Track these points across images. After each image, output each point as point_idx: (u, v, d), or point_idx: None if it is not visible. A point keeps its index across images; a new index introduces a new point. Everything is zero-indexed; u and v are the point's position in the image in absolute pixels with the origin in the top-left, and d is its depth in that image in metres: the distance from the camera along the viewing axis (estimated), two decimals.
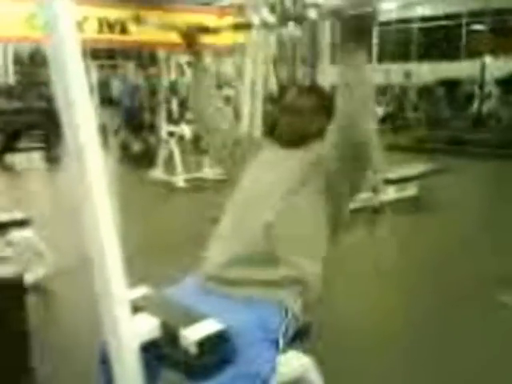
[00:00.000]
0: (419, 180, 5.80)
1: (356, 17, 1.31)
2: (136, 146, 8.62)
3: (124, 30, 4.97)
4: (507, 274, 3.48)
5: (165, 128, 6.91)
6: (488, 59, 13.20)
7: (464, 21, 16.84)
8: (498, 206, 5.74)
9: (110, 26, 4.88)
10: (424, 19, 17.67)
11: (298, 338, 1.56)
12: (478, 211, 5.42)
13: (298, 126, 1.65)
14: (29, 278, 3.05)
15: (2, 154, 8.19)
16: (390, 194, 5.53)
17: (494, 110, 12.51)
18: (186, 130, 6.93)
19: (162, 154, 6.89)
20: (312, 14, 1.47)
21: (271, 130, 1.74)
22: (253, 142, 1.82)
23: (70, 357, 2.39)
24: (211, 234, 1.65)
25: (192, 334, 1.25)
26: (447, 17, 17.10)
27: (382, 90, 14.43)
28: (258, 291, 1.46)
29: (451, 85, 14.40)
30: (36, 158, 8.31)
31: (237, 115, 5.40)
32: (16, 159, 8.28)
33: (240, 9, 5.83)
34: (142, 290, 1.48)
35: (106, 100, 13.53)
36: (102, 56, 17.27)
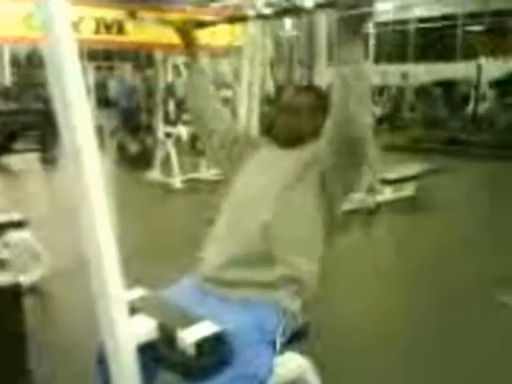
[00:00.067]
0: (416, 180, 5.82)
1: (353, 6, 1.30)
2: (133, 147, 8.61)
3: (121, 31, 4.96)
4: (506, 273, 3.49)
5: (162, 129, 6.91)
6: (483, 60, 13.24)
7: (460, 22, 16.89)
8: (495, 206, 5.75)
9: (107, 27, 4.86)
10: (421, 20, 17.71)
11: (296, 339, 1.56)
12: (475, 211, 5.43)
13: (294, 126, 1.65)
14: (26, 279, 3.05)
15: None
16: (387, 194, 5.54)
17: (489, 111, 12.54)
18: (182, 131, 6.93)
19: (158, 155, 6.89)
20: (308, 3, 1.46)
21: (268, 131, 1.74)
22: (250, 141, 1.82)
23: (67, 358, 2.39)
24: (207, 234, 1.65)
25: (189, 336, 1.24)
26: (443, 18, 17.14)
27: (379, 91, 14.48)
28: (255, 292, 1.47)
29: (447, 86, 14.45)
30: (32, 159, 8.29)
31: (235, 116, 5.40)
32: (12, 160, 8.26)
33: (236, 9, 5.83)
34: (139, 292, 1.48)
35: (103, 101, 13.51)
36: (99, 57, 17.29)
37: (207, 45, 5.09)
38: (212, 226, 1.66)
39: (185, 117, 6.82)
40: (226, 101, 6.76)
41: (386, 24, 18.02)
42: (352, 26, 1.34)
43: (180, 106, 7.09)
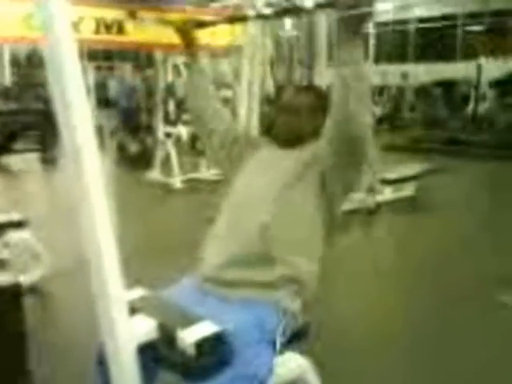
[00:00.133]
0: (416, 180, 5.82)
1: (353, 6, 1.30)
2: (133, 147, 8.61)
3: (121, 31, 4.96)
4: (506, 273, 3.48)
5: (162, 129, 6.91)
6: (483, 60, 13.24)
7: (460, 22, 16.89)
8: (495, 206, 5.75)
9: (107, 27, 4.86)
10: (421, 20, 17.71)
11: (296, 339, 1.56)
12: (475, 211, 5.43)
13: (294, 126, 1.65)
14: (26, 279, 3.05)
15: None
16: (387, 194, 5.54)
17: (489, 111, 12.55)
18: (182, 131, 6.93)
19: (158, 155, 6.89)
20: (308, 3, 1.46)
21: (268, 131, 1.74)
22: (250, 141, 1.82)
23: (67, 358, 2.38)
24: (207, 234, 1.65)
25: (189, 336, 1.24)
26: (443, 18, 17.14)
27: (379, 91, 14.48)
28: (255, 292, 1.47)
29: (447, 86, 14.46)
30: (32, 159, 8.29)
31: (235, 116, 5.40)
32: (12, 160, 8.26)
33: (236, 9, 5.83)
34: (139, 292, 1.48)
35: (103, 101, 13.51)
36: (99, 57, 17.30)
37: (207, 45, 5.09)
38: (212, 225, 1.66)
39: (185, 117, 6.82)
40: (226, 101, 6.76)
41: (385, 24, 18.02)
42: (352, 26, 1.34)
43: (180, 106, 7.09)
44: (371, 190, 5.17)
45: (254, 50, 5.26)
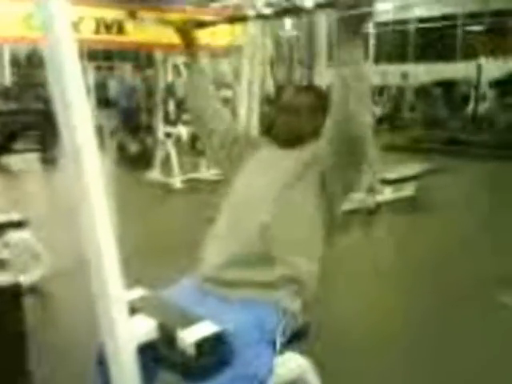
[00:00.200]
0: (416, 180, 5.82)
1: (353, 6, 1.29)
2: (133, 147, 8.61)
3: (121, 31, 4.96)
4: (506, 274, 3.48)
5: (162, 129, 6.92)
6: (483, 60, 13.24)
7: (460, 22, 16.89)
8: (495, 206, 5.75)
9: (107, 27, 4.86)
10: (421, 20, 17.71)
11: (296, 339, 1.55)
12: (475, 211, 5.43)
13: (294, 126, 1.65)
14: (26, 279, 3.05)
15: None
16: (387, 194, 5.54)
17: (489, 111, 12.55)
18: (182, 131, 6.93)
19: (158, 155, 6.89)
20: (308, 3, 1.46)
21: (268, 131, 1.74)
22: (250, 141, 1.82)
23: (67, 359, 2.38)
24: (207, 234, 1.65)
25: (189, 336, 1.24)
26: (443, 18, 17.14)
27: (379, 91, 14.47)
28: (255, 292, 1.47)
29: (447, 86, 14.46)
30: (32, 159, 8.29)
31: (235, 116, 5.40)
32: (12, 160, 8.26)
33: (236, 9, 5.83)
34: (139, 292, 1.48)
35: (103, 101, 13.51)
36: (99, 57, 17.30)
37: (207, 45, 5.09)
38: (212, 225, 1.66)
39: (185, 117, 6.82)
40: (226, 101, 6.76)
41: (385, 24, 18.01)
42: (352, 26, 1.34)
43: (180, 106, 7.09)
44: (371, 190, 5.17)
45: (253, 50, 5.26)
